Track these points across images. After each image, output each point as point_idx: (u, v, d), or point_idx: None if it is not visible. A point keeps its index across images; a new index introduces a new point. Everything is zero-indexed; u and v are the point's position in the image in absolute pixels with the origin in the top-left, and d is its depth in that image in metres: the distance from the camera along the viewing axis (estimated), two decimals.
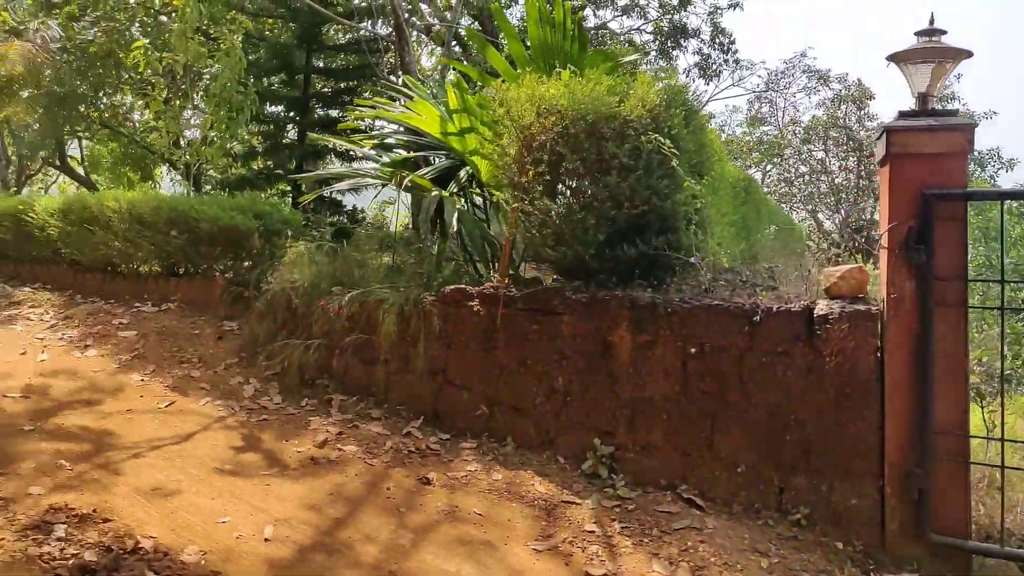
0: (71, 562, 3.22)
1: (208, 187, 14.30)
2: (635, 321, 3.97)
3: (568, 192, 4.23)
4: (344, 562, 3.28)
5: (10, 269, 8.47)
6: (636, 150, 3.98)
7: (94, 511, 3.62)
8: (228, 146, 7.47)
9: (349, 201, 10.12)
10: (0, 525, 3.46)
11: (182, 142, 9.23)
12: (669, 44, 16.30)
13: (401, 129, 6.17)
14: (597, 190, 4.00)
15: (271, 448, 4.47)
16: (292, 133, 11.04)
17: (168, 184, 26.54)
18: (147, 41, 7.49)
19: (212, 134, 7.47)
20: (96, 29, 14.84)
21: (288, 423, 4.84)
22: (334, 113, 10.52)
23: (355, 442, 4.48)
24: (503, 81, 4.70)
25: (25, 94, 19.37)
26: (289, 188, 10.93)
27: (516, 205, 4.27)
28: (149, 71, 17.53)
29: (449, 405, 4.68)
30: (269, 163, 10.91)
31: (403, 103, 6.21)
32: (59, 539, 3.37)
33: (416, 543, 3.47)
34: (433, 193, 5.10)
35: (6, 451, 4.26)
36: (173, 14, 14.75)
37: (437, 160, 5.66)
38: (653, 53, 16.62)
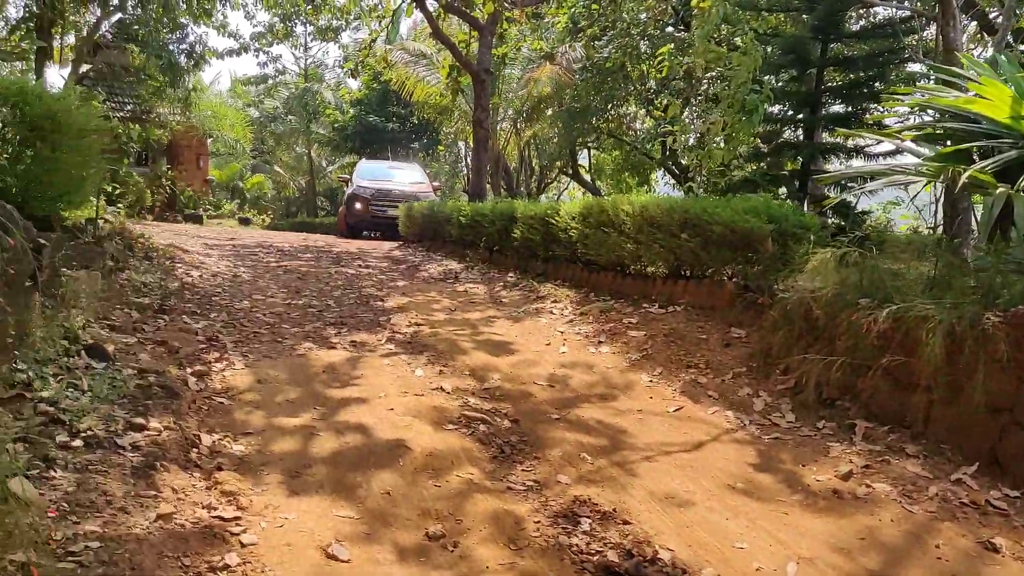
0: (595, 559, 3.25)
1: (699, 190, 14.54)
2: None
3: None
4: None
5: (538, 267, 9.49)
6: None
7: (614, 510, 3.65)
8: (738, 148, 7.28)
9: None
10: (535, 508, 3.68)
11: (679, 147, 9.40)
12: None
13: (939, 116, 5.28)
14: None
15: (787, 472, 4.09)
16: (788, 132, 10.52)
17: (662, 188, 27.96)
18: (671, 46, 7.65)
19: (720, 137, 7.36)
20: (611, 47, 16.06)
21: (803, 446, 4.40)
22: (839, 108, 9.72)
23: (887, 480, 3.86)
24: None
25: (549, 111, 22.03)
26: (784, 190, 10.42)
27: None
28: (652, 81, 18.48)
29: (1018, 453, 3.76)
30: (762, 164, 10.55)
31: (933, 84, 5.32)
32: (584, 533, 3.44)
33: None
34: (999, 191, 4.19)
35: (539, 435, 4.60)
36: (680, 24, 15.31)
37: (1000, 151, 4.66)
38: None
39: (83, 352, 4.55)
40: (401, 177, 20.12)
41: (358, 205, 18.56)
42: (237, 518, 3.27)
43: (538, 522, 3.53)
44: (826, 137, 10.22)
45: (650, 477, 4.04)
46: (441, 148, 33.10)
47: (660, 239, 6.90)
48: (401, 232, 15.51)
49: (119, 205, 11.58)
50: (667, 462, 4.25)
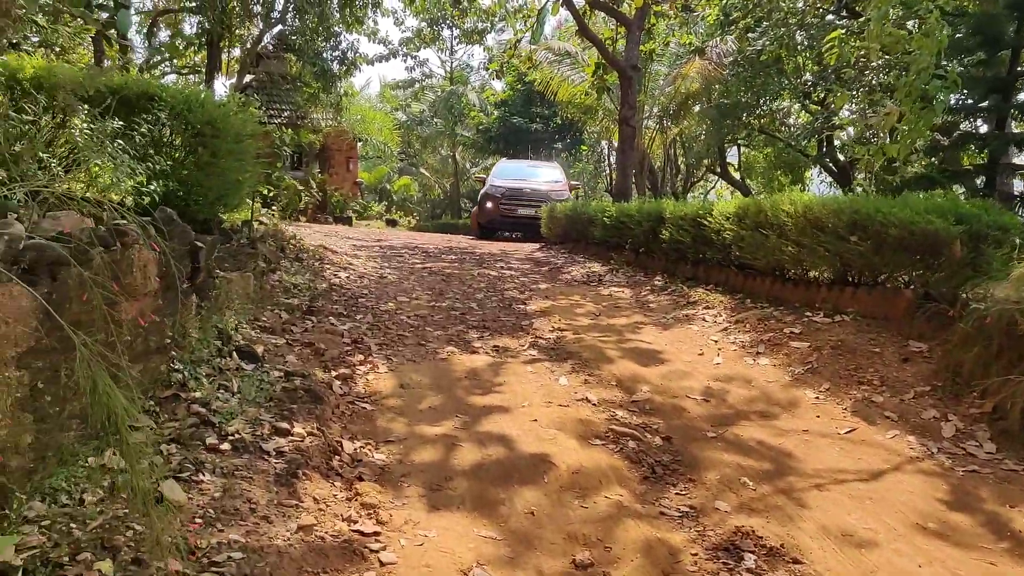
0: None
1: (869, 188, 13.48)
2: None
3: None
4: None
5: (687, 270, 9.02)
6: None
7: (782, 546, 3.26)
8: (915, 142, 6.56)
9: None
10: (692, 538, 3.35)
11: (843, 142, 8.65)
12: None
13: None
14: None
15: (989, 513, 3.54)
16: (965, 123, 9.51)
17: (817, 187, 26.43)
18: (842, 31, 7.01)
19: (895, 130, 6.66)
20: (765, 38, 15.27)
21: (1009, 482, 3.81)
22: None
23: None
24: None
25: (696, 108, 21.30)
26: (962, 187, 9.44)
27: None
28: (808, 73, 17.41)
29: None
30: (933, 160, 9.59)
31: None
32: (748, 571, 3.08)
33: None
34: None
35: (693, 455, 4.25)
36: (842, 11, 14.30)
37: None
38: None
39: (234, 353, 4.61)
40: (536, 176, 19.46)
41: (488, 204, 18.33)
42: (377, 533, 3.14)
43: (695, 555, 3.20)
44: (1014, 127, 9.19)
45: (822, 509, 3.60)
46: (584, 148, 32.85)
47: (825, 242, 6.32)
48: (543, 233, 15.33)
49: (273, 208, 12.05)
50: (841, 492, 3.79)
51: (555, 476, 3.85)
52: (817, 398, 5.09)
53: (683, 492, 3.84)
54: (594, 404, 4.92)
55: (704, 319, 7.22)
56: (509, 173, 19.51)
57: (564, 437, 4.32)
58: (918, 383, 4.92)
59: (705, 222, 8.28)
